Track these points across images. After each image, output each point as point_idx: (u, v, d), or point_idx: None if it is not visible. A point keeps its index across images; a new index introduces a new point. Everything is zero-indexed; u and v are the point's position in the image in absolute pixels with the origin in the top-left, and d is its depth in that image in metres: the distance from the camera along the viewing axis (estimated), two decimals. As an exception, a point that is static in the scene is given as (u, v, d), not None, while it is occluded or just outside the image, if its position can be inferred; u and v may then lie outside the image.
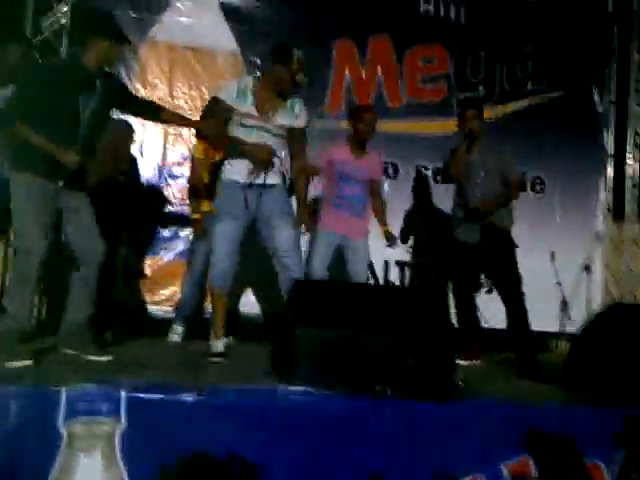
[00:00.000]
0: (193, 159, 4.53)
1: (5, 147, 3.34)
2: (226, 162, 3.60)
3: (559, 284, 5.67)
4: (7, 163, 3.26)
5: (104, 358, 3.12)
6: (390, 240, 4.30)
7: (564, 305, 5.65)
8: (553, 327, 5.61)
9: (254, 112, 3.48)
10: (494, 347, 4.49)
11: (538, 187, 6.03)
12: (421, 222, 5.49)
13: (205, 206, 4.29)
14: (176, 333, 4.34)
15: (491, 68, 6.05)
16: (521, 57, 6.11)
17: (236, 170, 3.51)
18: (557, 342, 5.73)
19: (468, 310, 4.30)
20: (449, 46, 5.94)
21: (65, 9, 4.89)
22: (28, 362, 2.74)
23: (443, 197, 5.07)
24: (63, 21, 4.88)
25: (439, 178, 5.58)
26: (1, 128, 3.26)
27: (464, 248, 4.23)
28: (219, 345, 3.51)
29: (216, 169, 3.97)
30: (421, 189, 5.62)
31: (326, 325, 2.77)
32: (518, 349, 4.06)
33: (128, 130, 4.77)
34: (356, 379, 2.69)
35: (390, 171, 5.60)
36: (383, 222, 4.32)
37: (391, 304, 3.03)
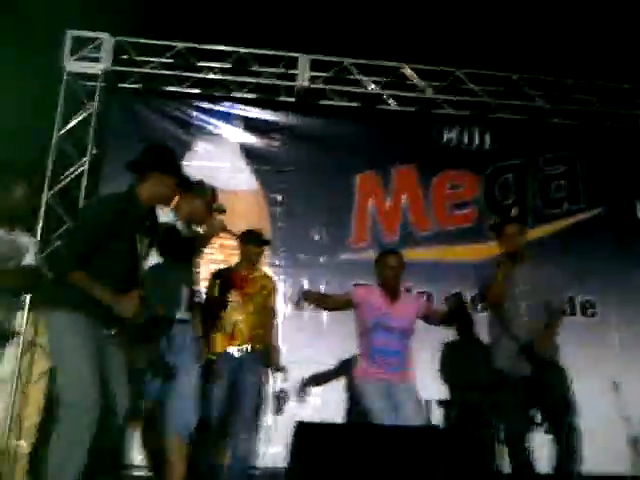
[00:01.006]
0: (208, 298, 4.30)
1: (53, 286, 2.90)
2: None
3: (627, 418, 4.97)
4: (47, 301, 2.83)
5: None
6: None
7: (635, 442, 4.91)
8: (622, 468, 4.77)
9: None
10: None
11: (589, 311, 5.55)
12: (462, 355, 4.99)
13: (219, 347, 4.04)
14: None
15: (522, 190, 5.87)
16: (554, 177, 5.93)
17: None
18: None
19: (520, 453, 3.72)
20: (476, 171, 5.83)
21: (85, 159, 4.97)
22: None
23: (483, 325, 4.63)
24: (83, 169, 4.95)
25: (479, 306, 5.19)
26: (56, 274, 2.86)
27: (511, 382, 3.78)
28: None
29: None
30: (460, 317, 5.17)
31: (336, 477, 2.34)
32: None
33: None
34: None
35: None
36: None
37: (420, 448, 2.60)
